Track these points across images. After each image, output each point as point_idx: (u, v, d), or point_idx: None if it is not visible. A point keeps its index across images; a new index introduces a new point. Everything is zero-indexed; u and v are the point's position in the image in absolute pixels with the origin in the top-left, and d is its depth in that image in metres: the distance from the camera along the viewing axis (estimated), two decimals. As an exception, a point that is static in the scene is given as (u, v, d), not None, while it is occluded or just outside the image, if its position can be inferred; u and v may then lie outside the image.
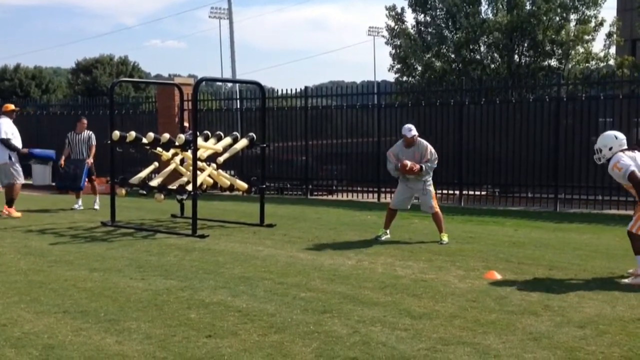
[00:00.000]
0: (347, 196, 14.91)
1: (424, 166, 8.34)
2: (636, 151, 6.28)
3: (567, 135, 12.40)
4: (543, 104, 12.81)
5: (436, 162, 8.53)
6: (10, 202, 10.99)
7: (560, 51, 18.20)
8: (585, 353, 4.17)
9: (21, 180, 11.20)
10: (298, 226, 9.98)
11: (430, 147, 8.50)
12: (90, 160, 12.19)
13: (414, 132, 8.43)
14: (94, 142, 12.20)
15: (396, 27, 20.44)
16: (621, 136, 6.31)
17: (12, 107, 11.54)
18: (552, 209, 12.38)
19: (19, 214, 10.91)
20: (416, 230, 9.52)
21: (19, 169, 11.18)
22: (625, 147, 6.27)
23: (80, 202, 12.30)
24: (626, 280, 6.11)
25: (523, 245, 8.32)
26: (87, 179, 12.26)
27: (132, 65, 51.44)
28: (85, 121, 12.59)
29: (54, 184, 17.37)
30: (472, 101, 13.81)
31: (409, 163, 8.26)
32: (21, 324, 4.80)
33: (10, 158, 11.00)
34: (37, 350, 4.22)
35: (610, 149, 6.23)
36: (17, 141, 11.17)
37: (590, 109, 12.37)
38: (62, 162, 12.35)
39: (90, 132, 12.31)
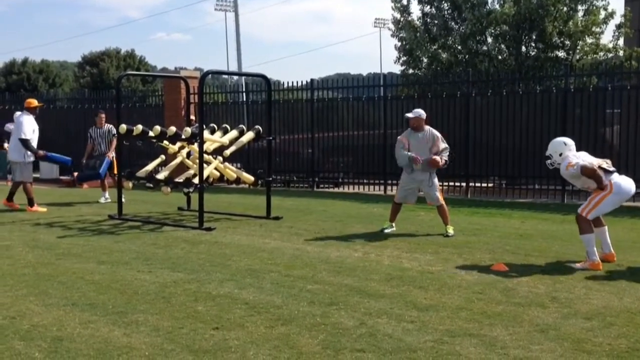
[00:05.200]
0: (354, 188, 14.91)
1: (443, 158, 8.41)
2: (580, 152, 6.73)
3: (574, 126, 12.34)
4: (550, 95, 12.75)
5: (448, 152, 8.57)
6: (30, 202, 10.94)
7: (568, 42, 18.07)
8: (592, 345, 4.16)
9: (30, 179, 11.09)
10: (304, 219, 9.99)
11: (440, 136, 8.52)
12: (111, 155, 12.10)
13: (415, 115, 8.45)
14: (113, 136, 11.85)
15: (402, 19, 20.34)
16: (570, 142, 6.70)
17: (35, 102, 11.31)
18: (560, 201, 12.35)
19: (44, 209, 10.94)
20: (422, 222, 9.51)
21: (30, 169, 11.15)
22: (574, 151, 6.65)
23: (107, 194, 12.28)
24: (577, 265, 6.40)
25: (530, 237, 8.30)
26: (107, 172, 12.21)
27: (139, 58, 51.50)
28: (103, 115, 12.49)
29: (61, 177, 17.49)
30: (479, 93, 13.75)
31: (438, 159, 8.34)
32: (30, 316, 4.83)
33: (24, 158, 10.97)
34: (45, 343, 4.25)
35: (560, 154, 6.62)
36: (35, 141, 11.08)
37: (598, 100, 12.31)
38: (84, 159, 12.38)
39: (111, 126, 12.11)
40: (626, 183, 6.52)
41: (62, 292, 5.52)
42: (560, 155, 6.60)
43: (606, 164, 6.55)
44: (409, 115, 8.60)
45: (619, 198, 6.48)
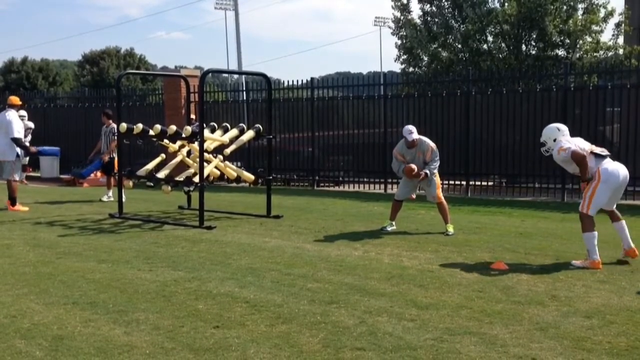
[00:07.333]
0: (354, 187, 14.92)
1: (428, 172, 8.33)
2: (575, 137, 6.71)
3: (574, 125, 12.31)
4: (550, 93, 12.75)
5: (438, 162, 8.46)
6: (13, 201, 10.89)
7: (568, 41, 18.07)
8: (592, 343, 4.17)
9: (17, 178, 11.03)
10: (305, 217, 10.00)
11: (432, 147, 8.41)
12: (107, 157, 12.13)
13: (415, 135, 8.35)
14: (113, 136, 11.71)
15: (402, 17, 20.34)
16: (563, 127, 6.71)
17: (18, 101, 11.40)
18: (560, 199, 12.35)
19: (26, 208, 10.92)
20: (422, 221, 9.52)
21: (20, 167, 11.14)
22: (568, 137, 6.63)
23: (110, 193, 12.28)
24: (576, 263, 6.39)
25: (530, 235, 8.31)
26: (97, 171, 12.19)
27: (139, 57, 51.55)
28: (110, 113, 12.53)
29: (62, 176, 17.50)
30: (479, 91, 13.75)
31: (414, 167, 8.25)
32: (31, 315, 4.84)
33: (17, 156, 10.94)
34: (46, 341, 4.26)
35: (554, 140, 6.62)
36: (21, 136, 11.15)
37: (598, 98, 12.31)
38: (91, 155, 12.48)
39: (113, 126, 11.95)
40: (613, 167, 6.42)
41: (62, 290, 5.53)
42: (554, 141, 6.58)
43: (599, 149, 6.50)
44: (407, 136, 8.36)
45: (610, 185, 6.36)
